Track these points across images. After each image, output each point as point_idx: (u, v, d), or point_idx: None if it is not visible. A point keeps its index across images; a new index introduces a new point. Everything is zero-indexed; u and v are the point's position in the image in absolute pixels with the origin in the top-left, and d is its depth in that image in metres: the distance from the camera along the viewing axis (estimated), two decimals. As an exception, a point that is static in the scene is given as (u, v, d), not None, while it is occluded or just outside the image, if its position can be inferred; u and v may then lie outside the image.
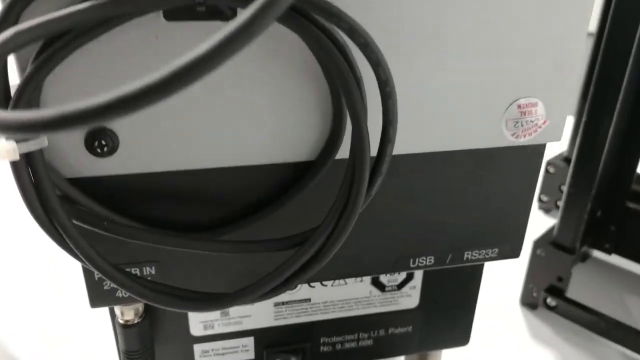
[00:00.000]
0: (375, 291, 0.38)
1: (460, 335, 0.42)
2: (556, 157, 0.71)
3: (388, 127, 0.24)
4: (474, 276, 0.39)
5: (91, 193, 0.25)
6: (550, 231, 0.56)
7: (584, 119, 0.49)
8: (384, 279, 0.37)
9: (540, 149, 0.30)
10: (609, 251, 0.61)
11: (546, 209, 0.73)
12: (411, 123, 0.27)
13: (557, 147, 0.70)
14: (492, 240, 0.32)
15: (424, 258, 0.32)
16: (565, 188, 0.53)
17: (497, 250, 0.33)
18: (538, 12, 0.26)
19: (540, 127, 0.28)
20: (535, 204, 0.74)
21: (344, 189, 0.25)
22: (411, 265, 0.32)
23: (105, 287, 0.28)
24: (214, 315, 0.35)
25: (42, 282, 0.48)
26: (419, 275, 0.38)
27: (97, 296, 0.28)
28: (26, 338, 0.55)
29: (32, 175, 0.22)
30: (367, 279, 0.37)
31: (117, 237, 0.25)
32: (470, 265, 0.36)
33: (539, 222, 0.67)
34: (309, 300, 0.37)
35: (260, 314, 0.36)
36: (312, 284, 0.36)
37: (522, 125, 0.28)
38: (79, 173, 0.25)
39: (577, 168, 0.51)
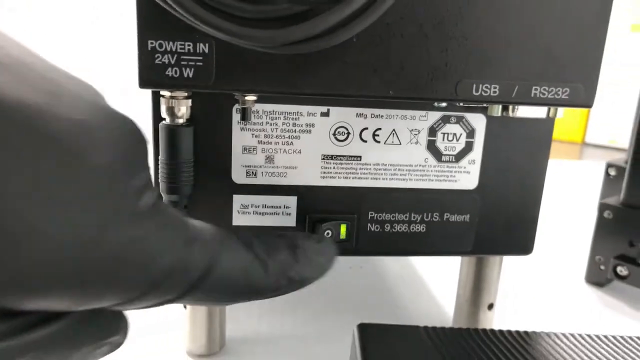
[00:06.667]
0: (432, 159, 0.35)
1: (521, 241, 0.37)
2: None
3: None
4: (539, 163, 0.36)
5: None
6: (618, 195, 0.52)
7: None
8: (440, 144, 0.35)
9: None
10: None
11: None
12: None
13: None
14: (563, 76, 0.30)
15: (488, 86, 0.30)
16: (631, 142, 0.49)
17: (567, 90, 0.31)
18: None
19: None
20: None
21: None
22: (474, 93, 0.30)
23: (157, 61, 0.28)
24: (258, 159, 0.33)
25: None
26: (478, 145, 0.35)
27: (147, 72, 0.28)
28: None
29: None
30: (423, 143, 0.35)
31: None
32: (535, 124, 0.33)
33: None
34: (359, 158, 0.34)
35: (307, 167, 0.34)
36: (364, 138, 0.34)
37: None
38: None
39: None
